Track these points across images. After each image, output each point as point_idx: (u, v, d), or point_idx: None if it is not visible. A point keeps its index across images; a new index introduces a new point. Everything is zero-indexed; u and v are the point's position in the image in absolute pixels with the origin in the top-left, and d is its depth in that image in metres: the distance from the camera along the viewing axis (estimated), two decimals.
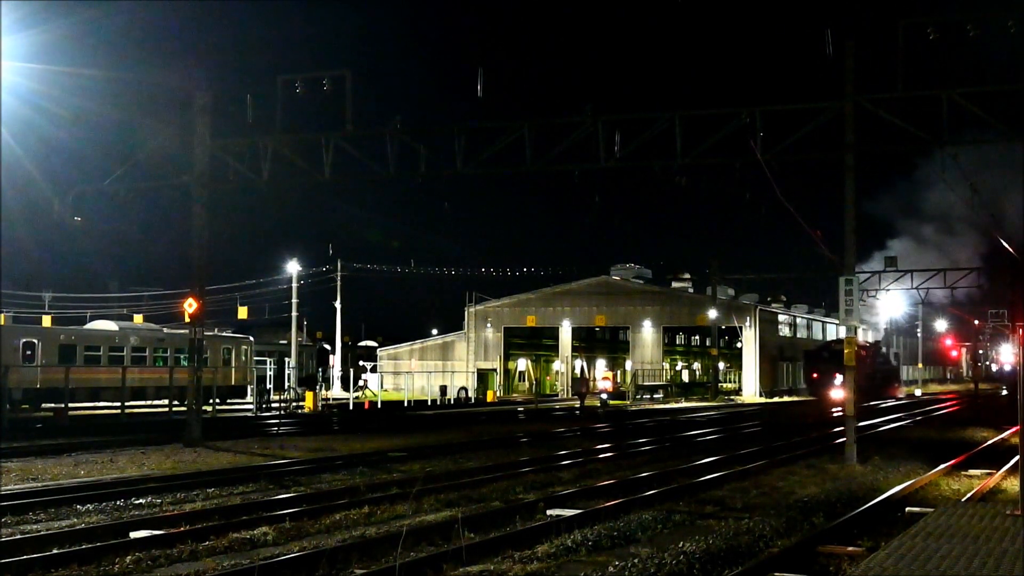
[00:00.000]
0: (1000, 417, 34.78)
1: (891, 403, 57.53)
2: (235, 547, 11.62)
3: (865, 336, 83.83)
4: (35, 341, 42.16)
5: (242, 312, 69.39)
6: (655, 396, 67.55)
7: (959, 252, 79.17)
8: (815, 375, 60.60)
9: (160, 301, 78.17)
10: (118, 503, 14.95)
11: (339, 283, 73.22)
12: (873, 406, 51.01)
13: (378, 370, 76.19)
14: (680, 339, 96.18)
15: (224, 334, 55.00)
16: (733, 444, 26.05)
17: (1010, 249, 44.49)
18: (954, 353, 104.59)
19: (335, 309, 73.19)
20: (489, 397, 64.46)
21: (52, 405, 37.84)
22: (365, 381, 68.98)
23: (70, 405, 36.01)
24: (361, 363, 76.18)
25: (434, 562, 10.43)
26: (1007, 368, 74.19)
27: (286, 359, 65.07)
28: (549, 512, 13.81)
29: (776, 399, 67.76)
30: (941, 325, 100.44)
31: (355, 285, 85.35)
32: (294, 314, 67.83)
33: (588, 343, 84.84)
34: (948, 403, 59.22)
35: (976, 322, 77.63)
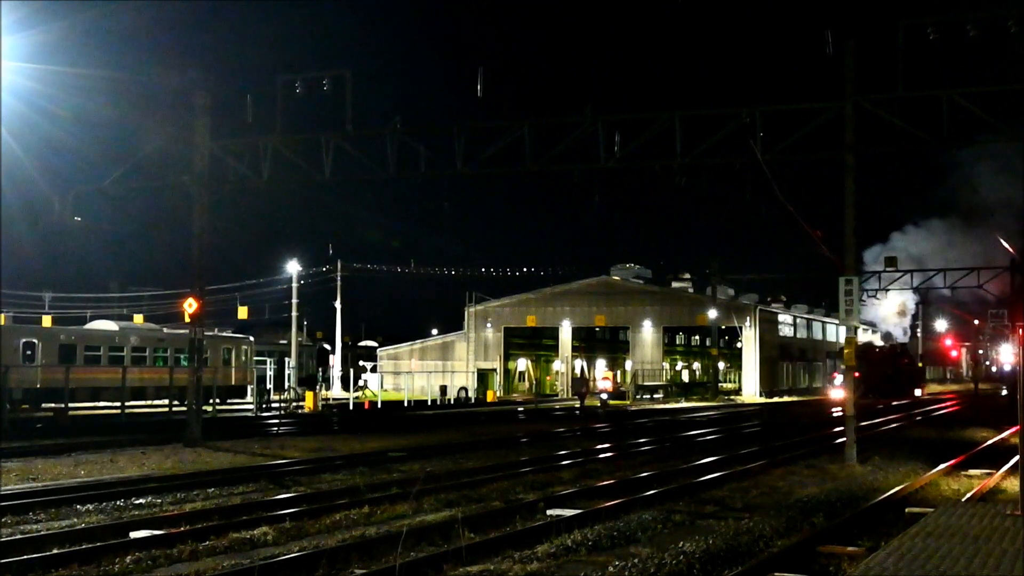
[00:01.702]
0: (1000, 417, 34.77)
1: (893, 403, 57.52)
2: (235, 547, 11.61)
3: (885, 337, 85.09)
4: (35, 341, 42.16)
5: (242, 312, 69.39)
6: (655, 396, 67.55)
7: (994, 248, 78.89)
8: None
9: (160, 301, 78.14)
10: (118, 503, 14.95)
11: (339, 283, 73.26)
12: (896, 404, 53.98)
13: (378, 370, 76.20)
14: (680, 339, 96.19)
15: (224, 334, 55.01)
16: (733, 444, 26.04)
17: (1010, 249, 44.40)
18: (954, 353, 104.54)
19: (335, 309, 73.23)
20: (489, 397, 64.46)
21: (52, 405, 37.84)
22: (365, 381, 69.00)
23: (70, 405, 36.02)
24: (361, 363, 76.21)
25: (434, 562, 10.43)
26: (1007, 368, 74.34)
27: (286, 359, 65.09)
28: (549, 512, 13.80)
29: (776, 399, 67.77)
30: (941, 325, 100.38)
31: (355, 285, 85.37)
32: (294, 314, 67.85)
33: (588, 343, 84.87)
34: (948, 403, 59.23)
35: (976, 322, 77.67)
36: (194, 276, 27.68)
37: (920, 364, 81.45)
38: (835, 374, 64.79)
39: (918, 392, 72.66)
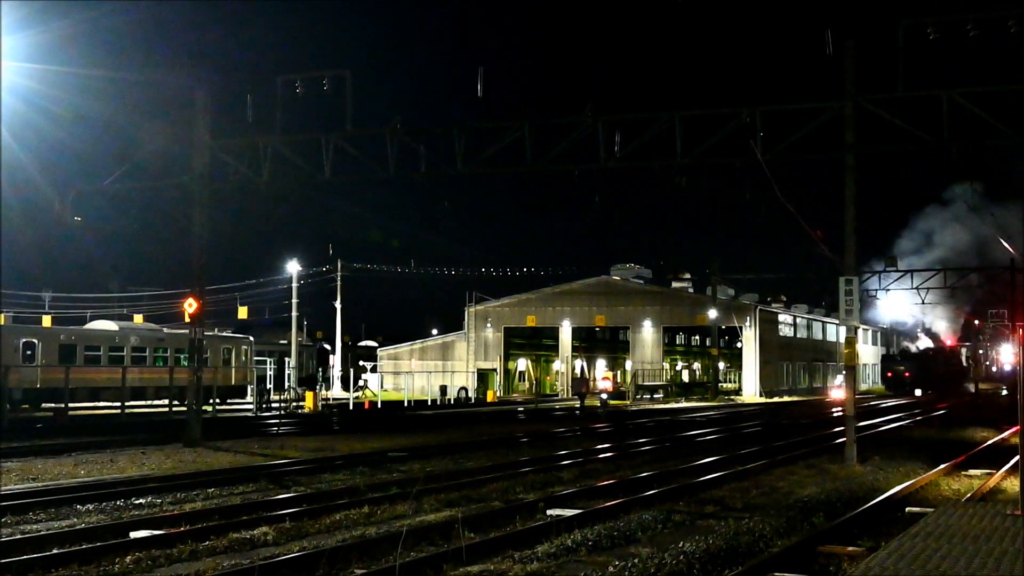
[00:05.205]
0: (1000, 417, 34.77)
1: (894, 402, 57.54)
2: (235, 547, 11.61)
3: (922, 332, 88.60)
4: (35, 341, 42.15)
5: (242, 312, 69.48)
6: (655, 396, 67.55)
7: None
8: (889, 374, 78.48)
9: (160, 301, 78.22)
10: (118, 503, 14.95)
11: (339, 283, 73.25)
12: (937, 400, 58.72)
13: (378, 370, 76.17)
14: (680, 339, 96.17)
15: (224, 334, 54.99)
16: (733, 444, 26.04)
17: (1010, 248, 44.40)
18: None
19: (335, 309, 73.21)
20: (489, 397, 64.45)
21: (52, 405, 37.84)
22: (365, 381, 68.95)
23: (70, 405, 36.02)
24: (361, 363, 76.16)
25: (434, 562, 10.43)
26: (1007, 368, 74.86)
27: (286, 359, 65.07)
28: (549, 512, 13.80)
29: (776, 399, 67.76)
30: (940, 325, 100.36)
31: (355, 285, 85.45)
32: (294, 314, 67.84)
33: (588, 343, 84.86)
34: (948, 403, 59.23)
35: (976, 322, 78.10)
36: (194, 276, 27.68)
37: (967, 365, 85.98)
38: (889, 374, 77.45)
39: (971, 388, 76.06)
